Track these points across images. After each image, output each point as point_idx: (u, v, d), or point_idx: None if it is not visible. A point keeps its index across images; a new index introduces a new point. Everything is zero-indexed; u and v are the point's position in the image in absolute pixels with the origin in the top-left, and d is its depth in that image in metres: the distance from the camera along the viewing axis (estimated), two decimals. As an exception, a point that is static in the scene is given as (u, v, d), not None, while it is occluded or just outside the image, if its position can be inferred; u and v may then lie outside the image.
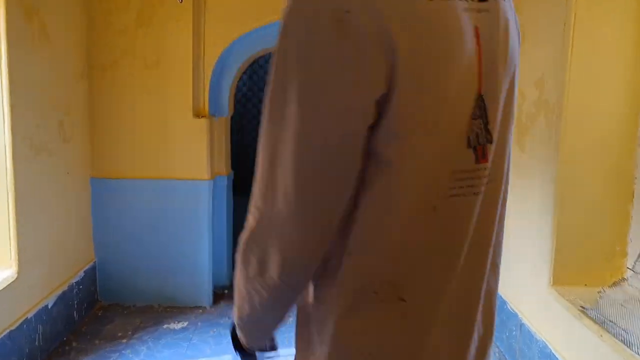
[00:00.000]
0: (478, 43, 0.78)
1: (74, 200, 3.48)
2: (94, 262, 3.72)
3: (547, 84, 2.58)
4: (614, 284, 2.43)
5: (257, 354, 1.07)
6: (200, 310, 3.73)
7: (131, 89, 3.64)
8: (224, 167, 3.99)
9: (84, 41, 3.54)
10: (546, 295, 2.51)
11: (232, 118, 4.20)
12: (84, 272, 3.56)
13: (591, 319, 2.17)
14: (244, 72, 6.20)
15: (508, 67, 0.84)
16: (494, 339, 0.96)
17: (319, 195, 0.76)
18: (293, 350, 0.95)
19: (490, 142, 0.81)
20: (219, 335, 3.39)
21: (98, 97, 3.64)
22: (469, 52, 0.77)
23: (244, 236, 0.85)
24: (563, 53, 2.39)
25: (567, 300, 2.35)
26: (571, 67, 2.36)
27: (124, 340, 3.28)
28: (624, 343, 1.96)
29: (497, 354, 3.04)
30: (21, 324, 2.79)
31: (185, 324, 3.53)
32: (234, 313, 0.96)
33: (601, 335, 2.07)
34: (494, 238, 0.89)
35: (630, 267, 2.41)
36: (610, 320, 2.14)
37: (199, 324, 3.54)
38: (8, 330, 2.68)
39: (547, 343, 2.52)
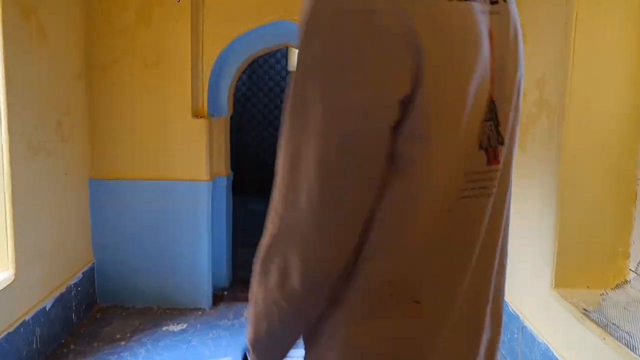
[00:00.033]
0: (491, 45, 0.80)
1: (72, 201, 3.46)
2: (93, 264, 3.70)
3: (548, 84, 2.56)
4: (617, 286, 2.41)
5: None
6: (200, 312, 3.71)
7: (130, 89, 3.62)
8: (223, 167, 3.97)
9: (82, 41, 3.52)
10: (548, 297, 2.49)
11: (231, 118, 4.18)
12: (83, 273, 3.54)
13: (594, 321, 2.15)
14: (243, 72, 6.18)
15: (517, 70, 0.86)
16: (501, 341, 0.96)
17: (344, 197, 0.75)
18: (302, 352, 0.92)
19: (502, 143, 0.83)
20: (219, 337, 3.37)
21: (96, 97, 3.62)
22: (485, 54, 0.78)
23: (262, 246, 0.82)
24: (564, 53, 2.38)
25: (569, 302, 2.33)
26: (573, 66, 2.35)
27: (123, 343, 3.26)
28: (627, 346, 1.94)
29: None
30: (18, 327, 2.77)
31: (185, 325, 3.51)
32: (249, 334, 0.92)
33: (604, 338, 2.05)
34: (501, 238, 0.90)
35: (633, 269, 2.39)
36: (613, 323, 2.12)
37: (198, 325, 3.52)
38: (5, 333, 2.66)
39: (549, 346, 2.50)
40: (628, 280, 2.41)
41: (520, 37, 0.87)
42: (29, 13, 2.87)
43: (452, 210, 0.78)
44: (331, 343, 0.83)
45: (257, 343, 0.91)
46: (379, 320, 0.81)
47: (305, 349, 0.91)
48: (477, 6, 0.77)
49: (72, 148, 3.41)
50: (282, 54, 7.36)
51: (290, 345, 0.91)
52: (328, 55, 0.72)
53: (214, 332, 3.44)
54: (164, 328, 3.46)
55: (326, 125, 0.72)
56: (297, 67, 0.75)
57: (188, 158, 3.68)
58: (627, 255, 2.42)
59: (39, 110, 3.00)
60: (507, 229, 0.93)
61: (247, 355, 0.96)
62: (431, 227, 0.78)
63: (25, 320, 2.83)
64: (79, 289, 3.48)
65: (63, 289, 3.27)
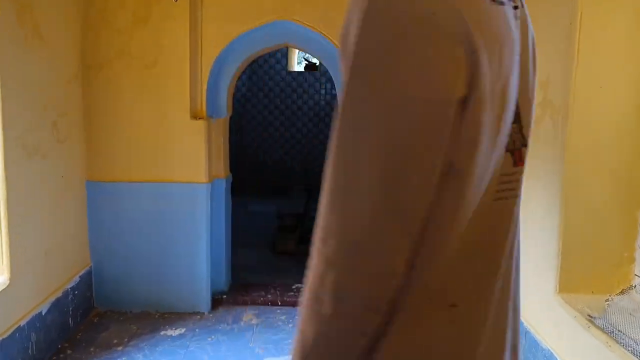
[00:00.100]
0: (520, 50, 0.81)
1: (69, 203, 3.42)
2: (90, 267, 3.66)
3: (553, 85, 2.52)
4: (622, 291, 2.37)
5: None
6: (198, 317, 3.67)
7: (127, 89, 3.58)
8: (222, 169, 3.92)
9: (79, 40, 3.49)
10: (552, 303, 2.45)
11: (230, 119, 4.13)
12: (80, 277, 3.50)
13: (599, 328, 2.11)
14: (243, 72, 6.14)
15: (535, 74, 0.87)
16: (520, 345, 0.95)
17: (405, 203, 0.72)
18: None
19: (525, 145, 0.85)
20: (217, 342, 3.32)
21: (93, 97, 3.58)
22: (517, 59, 0.79)
23: (309, 287, 0.76)
24: (569, 53, 2.34)
25: (574, 308, 2.29)
26: (577, 67, 2.31)
27: (120, 348, 3.22)
28: (633, 354, 1.91)
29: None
30: (13, 332, 2.73)
31: (183, 330, 3.47)
32: None
33: (609, 346, 2.01)
34: (517, 239, 0.90)
35: (639, 274, 2.35)
36: (618, 330, 2.08)
37: (197, 330, 3.48)
38: (0, 339, 2.62)
39: (552, 352, 2.46)
40: (633, 285, 2.37)
41: (535, 42, 0.89)
42: (25, 13, 2.83)
43: (485, 213, 0.79)
44: (370, 357, 0.78)
45: None
46: (418, 328, 0.79)
47: None
48: (509, 11, 0.78)
49: (68, 150, 3.37)
50: (282, 54, 7.33)
51: None
52: (387, 57, 0.70)
53: (213, 336, 3.40)
54: (162, 333, 3.43)
55: (388, 124, 0.70)
56: (352, 72, 0.72)
57: (187, 160, 3.64)
58: (632, 260, 2.38)
59: (34, 112, 2.96)
60: (519, 230, 0.94)
61: None
62: (467, 231, 0.78)
63: (20, 325, 2.79)
64: (76, 293, 3.44)
65: (59, 293, 3.23)
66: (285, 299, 3.93)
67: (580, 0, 2.27)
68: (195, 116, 3.65)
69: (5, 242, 2.71)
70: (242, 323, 3.60)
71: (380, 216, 0.72)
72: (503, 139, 0.79)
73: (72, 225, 3.45)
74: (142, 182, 3.63)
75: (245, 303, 3.90)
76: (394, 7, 0.70)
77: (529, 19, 0.87)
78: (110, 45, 3.55)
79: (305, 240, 5.28)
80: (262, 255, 4.95)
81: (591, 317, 2.20)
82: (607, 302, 2.32)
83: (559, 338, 2.43)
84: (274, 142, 7.54)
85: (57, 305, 3.18)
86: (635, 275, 2.37)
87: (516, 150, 0.83)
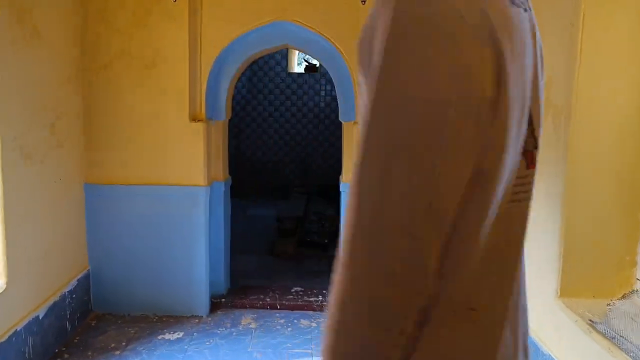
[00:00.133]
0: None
1: (66, 207, 3.39)
2: (88, 270, 3.64)
3: (555, 85, 2.50)
4: (624, 296, 2.34)
5: None
6: (197, 320, 3.65)
7: (127, 90, 3.56)
8: (221, 172, 3.90)
9: (77, 41, 3.47)
10: (553, 307, 2.43)
11: (230, 121, 4.11)
12: (77, 280, 3.48)
13: (600, 333, 2.08)
14: (243, 74, 6.12)
15: (543, 77, 0.88)
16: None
17: (441, 203, 0.71)
18: None
19: (536, 148, 0.85)
20: (215, 346, 3.30)
21: (91, 99, 3.56)
22: (531, 61, 0.80)
23: (341, 296, 0.74)
24: (571, 53, 2.32)
25: (575, 312, 2.26)
26: (580, 68, 2.29)
27: (118, 352, 3.20)
28: (635, 360, 1.88)
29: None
30: (10, 337, 2.71)
31: (181, 334, 3.44)
32: None
33: (611, 351, 1.98)
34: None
35: (641, 278, 2.32)
36: (620, 335, 2.05)
37: (195, 334, 3.46)
38: (-4, 343, 2.60)
39: (553, 357, 2.43)
40: (635, 290, 2.34)
41: (541, 44, 0.89)
42: (24, 13, 2.81)
43: (502, 217, 0.79)
44: None
45: None
46: (442, 340, 0.78)
47: None
48: (522, 13, 0.78)
49: (66, 152, 3.35)
50: (282, 55, 7.31)
51: None
52: (418, 60, 0.69)
53: (211, 340, 3.38)
54: (160, 337, 3.40)
55: (422, 124, 0.70)
56: (380, 77, 0.71)
57: (185, 163, 3.62)
58: (634, 264, 2.35)
59: (32, 114, 2.94)
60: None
61: None
62: (487, 237, 0.78)
63: (17, 329, 2.77)
64: (74, 296, 3.41)
65: (57, 297, 3.20)
66: (284, 302, 3.90)
67: (582, 0, 2.25)
68: (194, 118, 3.63)
69: (2, 246, 2.69)
70: (240, 327, 3.57)
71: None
72: (521, 142, 0.80)
73: (69, 228, 3.43)
74: (141, 184, 3.61)
75: (243, 306, 3.88)
76: (422, 7, 0.70)
77: (536, 21, 0.87)
78: (109, 47, 3.53)
79: (304, 243, 5.26)
80: (261, 258, 4.93)
81: (592, 321, 2.18)
82: (609, 307, 2.30)
83: (559, 343, 2.41)
84: (273, 145, 7.51)
85: (54, 308, 3.16)
86: (638, 279, 2.34)
87: (528, 152, 0.83)
